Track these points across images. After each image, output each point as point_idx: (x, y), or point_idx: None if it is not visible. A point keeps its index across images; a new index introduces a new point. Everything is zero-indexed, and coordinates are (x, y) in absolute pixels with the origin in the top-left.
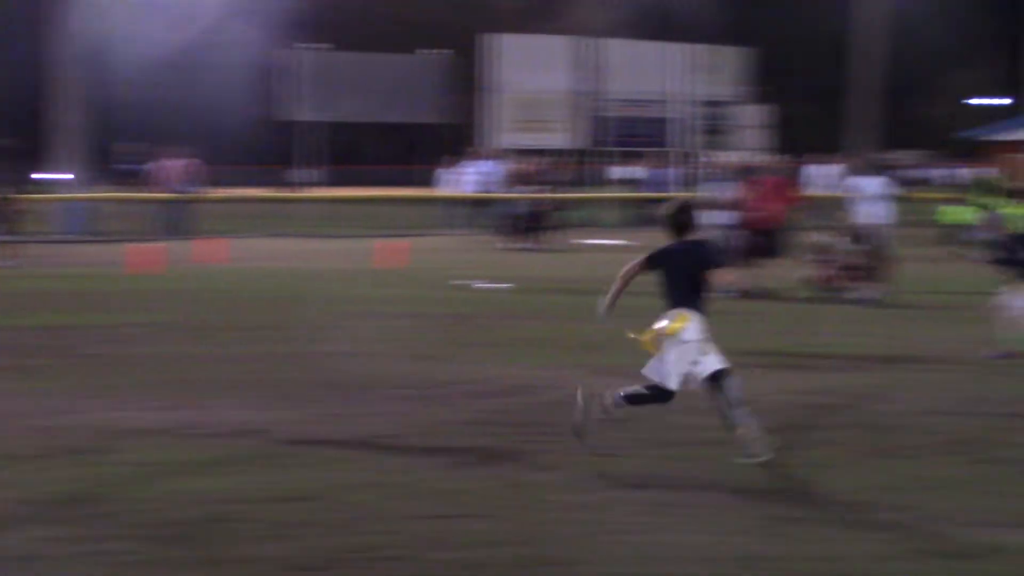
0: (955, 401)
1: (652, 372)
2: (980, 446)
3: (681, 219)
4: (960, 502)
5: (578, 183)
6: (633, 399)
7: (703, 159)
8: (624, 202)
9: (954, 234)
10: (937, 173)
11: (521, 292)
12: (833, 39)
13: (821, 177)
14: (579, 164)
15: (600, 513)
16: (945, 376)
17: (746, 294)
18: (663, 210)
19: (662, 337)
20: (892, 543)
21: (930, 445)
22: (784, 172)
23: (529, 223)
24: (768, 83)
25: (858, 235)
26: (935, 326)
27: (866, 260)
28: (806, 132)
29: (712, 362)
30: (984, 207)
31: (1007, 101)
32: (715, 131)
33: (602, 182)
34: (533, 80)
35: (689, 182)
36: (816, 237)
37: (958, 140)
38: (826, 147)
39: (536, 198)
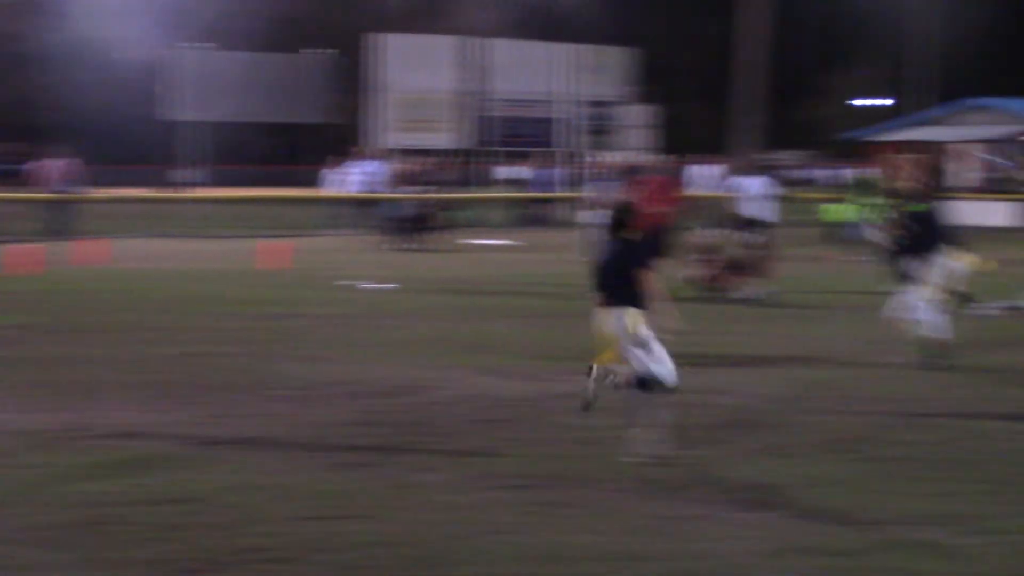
0: (843, 400)
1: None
2: (867, 444)
3: (617, 219)
4: (847, 499)
5: (464, 183)
6: (643, 384)
7: (588, 159)
8: (510, 202)
9: (836, 233)
10: (821, 173)
11: (406, 292)
12: (717, 40)
13: (704, 177)
14: (465, 164)
15: (485, 513)
16: (832, 375)
17: None
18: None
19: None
20: (778, 540)
21: (818, 443)
22: (668, 172)
23: (414, 223)
24: (653, 83)
25: (742, 234)
26: (820, 325)
27: (750, 259)
28: (691, 132)
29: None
30: (865, 206)
31: (889, 102)
32: (600, 131)
33: (488, 182)
34: (418, 80)
35: (575, 182)
36: (700, 237)
37: (842, 141)
38: (711, 147)
39: (421, 198)
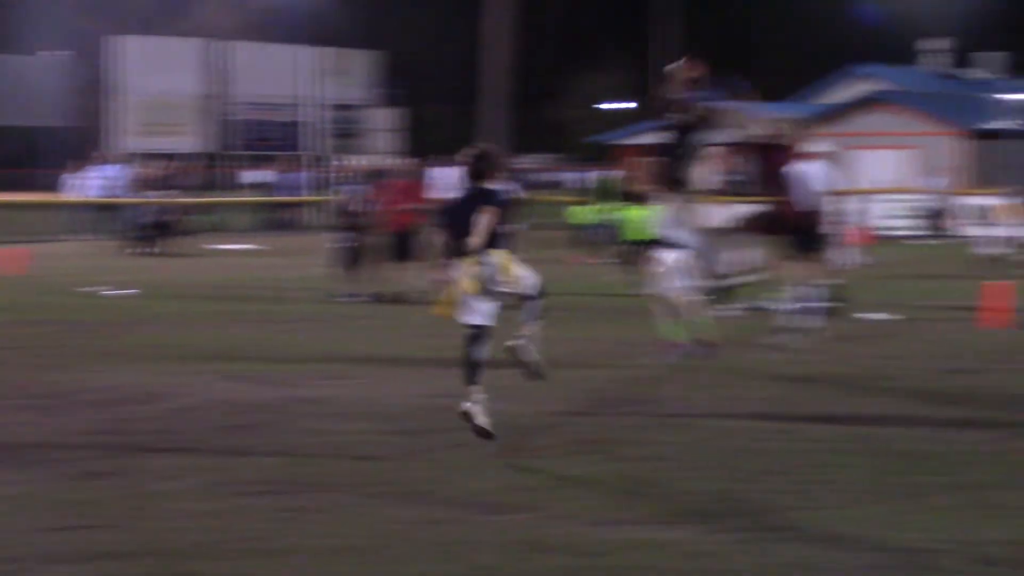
0: (589, 402)
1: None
2: (618, 446)
3: (478, 166)
4: (595, 501)
5: (208, 187)
6: (475, 339)
7: (335, 162)
8: (255, 206)
9: (581, 235)
10: (569, 176)
11: (148, 298)
12: (464, 42)
13: (445, 179)
14: (209, 168)
15: (232, 520)
16: (576, 375)
17: (380, 297)
18: (464, 156)
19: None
20: (519, 543)
21: (563, 445)
22: (414, 175)
23: (157, 228)
24: (399, 86)
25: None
26: (565, 327)
27: None
28: (438, 135)
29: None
30: (604, 210)
31: (632, 105)
32: (346, 134)
33: (232, 186)
34: (160, 83)
35: (321, 186)
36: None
37: (588, 143)
38: (458, 150)
39: (164, 203)
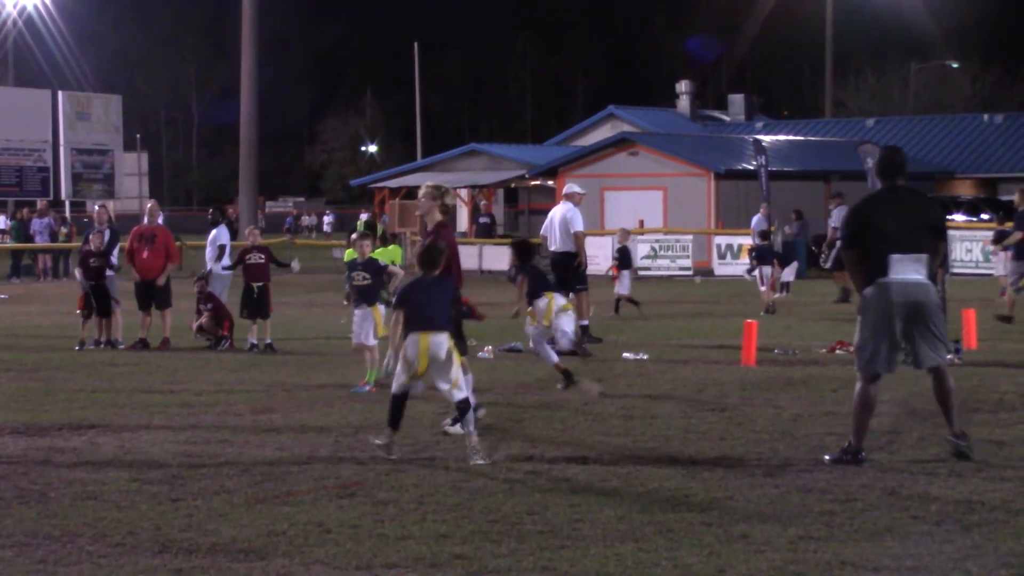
0: (342, 445)
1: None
2: (368, 490)
3: (431, 257)
4: (348, 545)
5: None
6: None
7: (90, 207)
8: None
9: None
10: (329, 219)
11: None
12: (213, 87)
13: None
14: None
15: None
16: (334, 419)
17: (143, 343)
18: (418, 251)
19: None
20: None
21: (319, 490)
22: (157, 221)
23: None
24: (149, 130)
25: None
26: (309, 371)
27: (239, 307)
28: (187, 179)
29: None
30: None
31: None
32: (93, 179)
33: None
34: None
35: (66, 231)
36: (200, 285)
37: (350, 187)
38: (213, 193)
39: None
